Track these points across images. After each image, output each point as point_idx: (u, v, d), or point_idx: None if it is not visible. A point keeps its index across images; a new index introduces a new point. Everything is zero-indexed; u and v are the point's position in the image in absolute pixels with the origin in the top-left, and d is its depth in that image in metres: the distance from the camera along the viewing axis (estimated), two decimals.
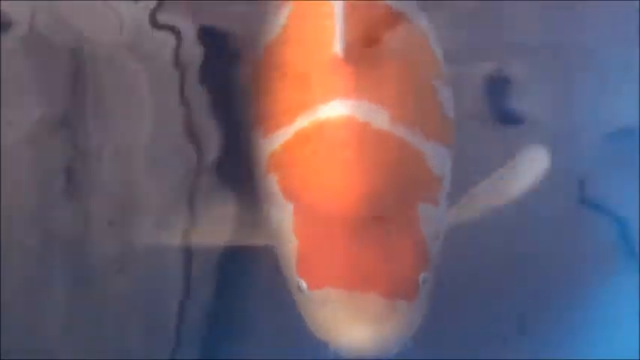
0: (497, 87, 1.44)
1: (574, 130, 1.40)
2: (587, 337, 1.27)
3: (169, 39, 1.41)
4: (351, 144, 1.08)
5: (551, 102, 1.43)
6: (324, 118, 1.11)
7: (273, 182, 1.14)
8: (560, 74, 1.44)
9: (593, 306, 1.29)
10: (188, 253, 1.30)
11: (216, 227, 1.25)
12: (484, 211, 1.21)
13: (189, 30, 1.42)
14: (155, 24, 1.42)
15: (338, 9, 1.11)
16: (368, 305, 1.04)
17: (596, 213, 1.36)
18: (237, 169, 1.26)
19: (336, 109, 1.11)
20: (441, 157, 1.16)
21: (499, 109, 1.43)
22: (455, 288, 1.22)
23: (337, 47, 1.12)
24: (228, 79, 1.37)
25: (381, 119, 1.11)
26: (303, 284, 1.07)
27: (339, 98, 1.11)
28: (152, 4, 1.43)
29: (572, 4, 1.45)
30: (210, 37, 1.42)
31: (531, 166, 1.25)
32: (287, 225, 1.10)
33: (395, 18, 1.21)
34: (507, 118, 1.42)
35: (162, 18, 1.42)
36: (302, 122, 1.13)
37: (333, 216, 1.06)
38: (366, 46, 1.16)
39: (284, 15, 1.24)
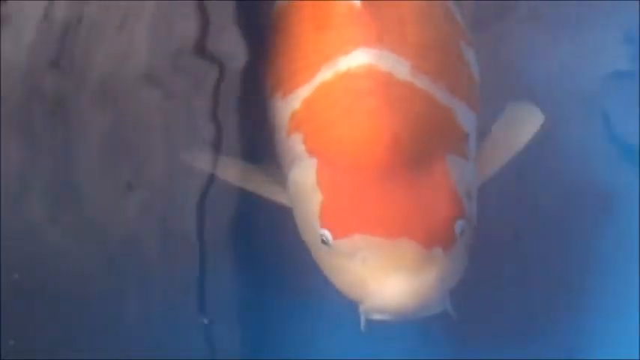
0: None
1: None
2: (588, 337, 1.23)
3: None
4: (374, 92, 1.04)
5: None
6: (345, 68, 1.06)
7: (297, 142, 1.08)
8: None
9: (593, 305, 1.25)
10: None
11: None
12: (499, 164, 1.15)
13: None
14: None
15: None
16: (402, 253, 0.96)
17: None
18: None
19: (357, 58, 1.06)
20: (468, 116, 1.11)
21: None
22: None
23: None
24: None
25: (404, 70, 1.06)
26: (328, 235, 0.99)
27: (360, 47, 1.07)
28: None
29: None
30: None
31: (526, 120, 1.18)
32: (310, 181, 1.04)
33: None
34: None
35: None
36: (323, 75, 1.08)
37: (360, 164, 1.00)
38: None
39: None
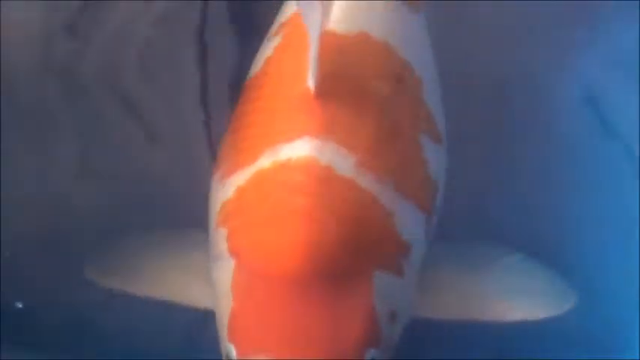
0: None
1: None
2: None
3: None
4: (306, 190, 0.95)
5: None
6: (285, 158, 0.97)
7: (222, 237, 0.99)
8: None
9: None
10: None
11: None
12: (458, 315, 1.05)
13: None
14: None
15: (313, 37, 0.98)
16: None
17: None
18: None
19: (298, 148, 0.97)
20: (413, 220, 1.01)
21: None
22: None
23: (309, 81, 0.99)
24: None
25: (346, 165, 0.97)
26: (232, 351, 0.92)
27: (303, 137, 0.98)
28: None
29: None
30: None
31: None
32: (227, 284, 0.96)
33: (386, 59, 1.08)
34: None
35: None
36: (262, 163, 0.99)
37: (274, 274, 0.92)
38: (343, 83, 1.02)
39: (272, 46, 1.12)
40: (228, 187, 1.01)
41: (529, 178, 1.31)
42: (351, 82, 1.03)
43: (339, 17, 1.07)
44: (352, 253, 0.93)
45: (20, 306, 1.20)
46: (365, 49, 1.07)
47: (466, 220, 1.23)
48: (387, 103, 1.04)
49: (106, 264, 1.10)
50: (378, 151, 1.00)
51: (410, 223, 1.00)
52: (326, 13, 1.03)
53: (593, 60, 1.39)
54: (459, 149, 1.15)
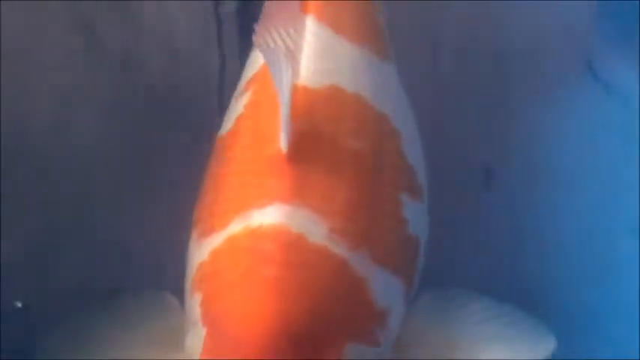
0: None
1: None
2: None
3: None
4: (274, 259, 0.91)
5: None
6: (257, 224, 0.94)
7: (196, 303, 0.96)
8: None
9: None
10: None
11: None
12: None
13: None
14: None
15: (283, 98, 0.94)
16: None
17: None
18: None
19: (270, 214, 0.94)
20: (390, 286, 0.97)
21: None
22: None
23: (282, 143, 0.95)
24: None
25: (319, 232, 0.93)
26: None
27: (275, 202, 0.94)
28: None
29: None
30: None
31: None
32: (197, 354, 0.93)
33: (361, 113, 1.04)
34: None
35: None
36: (235, 227, 0.95)
37: (241, 344, 0.88)
38: (317, 142, 0.98)
39: (242, 104, 1.07)
40: (204, 249, 0.98)
41: None
42: (326, 140, 0.99)
43: (309, 71, 1.02)
44: (322, 326, 0.90)
45: (20, 305, 1.20)
46: (338, 103, 1.02)
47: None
48: (365, 160, 1.00)
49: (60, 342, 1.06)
50: (353, 215, 0.96)
51: (386, 289, 0.97)
52: (294, 67, 1.00)
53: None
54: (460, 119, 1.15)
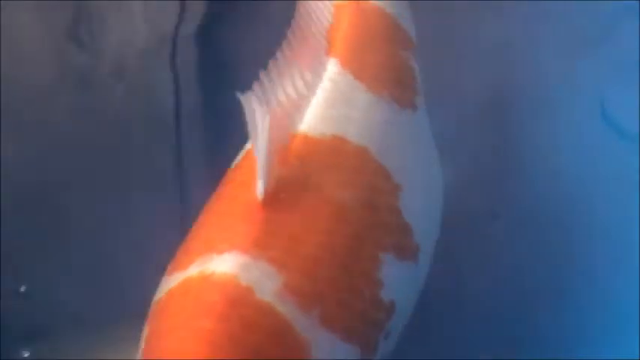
0: None
1: None
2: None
3: None
4: (214, 312, 0.85)
5: None
6: (209, 272, 0.88)
7: (143, 338, 0.92)
8: None
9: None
10: None
11: None
12: None
13: None
14: None
15: (260, 145, 0.89)
16: None
17: None
18: None
19: (223, 263, 0.88)
20: (338, 353, 0.90)
21: None
22: None
23: (258, 190, 0.90)
24: None
25: (269, 287, 0.87)
26: None
27: (233, 251, 0.89)
28: None
29: None
30: None
31: None
32: None
33: (359, 166, 0.98)
34: None
35: None
36: (192, 270, 0.90)
37: None
38: (300, 192, 0.93)
39: (243, 152, 1.03)
40: (165, 286, 0.93)
41: None
42: (311, 191, 0.94)
43: (315, 118, 0.98)
44: None
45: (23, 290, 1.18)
46: (337, 154, 0.97)
47: None
48: (348, 215, 0.95)
49: None
50: (313, 272, 0.90)
51: (332, 355, 0.90)
52: (294, 115, 0.96)
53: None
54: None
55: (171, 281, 0.92)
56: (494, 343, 1.19)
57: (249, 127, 0.90)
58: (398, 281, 0.96)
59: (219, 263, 0.88)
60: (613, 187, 1.32)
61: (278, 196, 0.91)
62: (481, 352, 1.16)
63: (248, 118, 0.90)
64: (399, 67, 1.09)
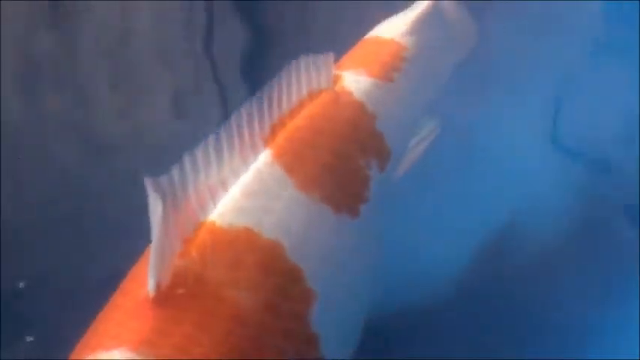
0: None
1: None
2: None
3: None
4: None
5: None
6: None
7: None
8: None
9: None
10: None
11: None
12: None
13: None
14: None
15: (153, 236, 0.83)
16: None
17: None
18: None
19: None
20: None
21: None
22: None
23: (149, 285, 0.85)
24: None
25: None
26: None
27: (122, 347, 0.83)
28: None
29: None
30: None
31: None
32: None
33: (266, 264, 0.90)
34: None
35: None
36: None
37: None
38: (196, 289, 0.86)
39: None
40: None
41: None
42: (209, 288, 0.87)
43: (226, 208, 0.91)
44: None
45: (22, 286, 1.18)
46: (243, 248, 0.90)
47: None
48: (247, 316, 0.88)
49: None
50: None
51: None
52: (213, 202, 0.90)
53: None
54: None
55: None
56: (495, 343, 1.19)
57: (150, 215, 0.84)
58: None
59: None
60: None
61: (174, 292, 0.85)
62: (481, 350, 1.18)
63: (150, 206, 0.84)
64: (346, 172, 1.00)
